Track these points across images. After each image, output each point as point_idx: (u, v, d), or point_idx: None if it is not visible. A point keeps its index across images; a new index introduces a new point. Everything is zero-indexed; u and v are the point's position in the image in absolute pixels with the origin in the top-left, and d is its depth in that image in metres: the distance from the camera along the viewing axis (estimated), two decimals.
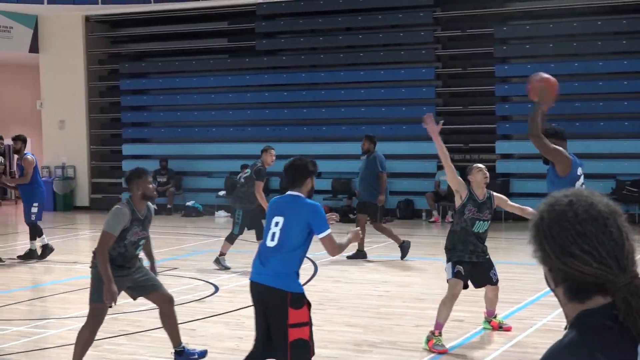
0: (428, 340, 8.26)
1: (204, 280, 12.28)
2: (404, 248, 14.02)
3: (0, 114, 28.25)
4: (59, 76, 24.52)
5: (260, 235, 12.73)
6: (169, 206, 22.06)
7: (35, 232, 14.70)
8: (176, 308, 10.36)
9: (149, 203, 7.71)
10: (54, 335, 9.28)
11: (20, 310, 10.74)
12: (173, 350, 7.92)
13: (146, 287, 7.65)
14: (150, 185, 7.57)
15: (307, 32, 22.48)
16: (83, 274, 13.33)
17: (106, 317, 9.72)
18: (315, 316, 9.88)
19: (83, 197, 24.24)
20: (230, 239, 13.21)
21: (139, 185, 7.48)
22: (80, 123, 24.37)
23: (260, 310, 6.11)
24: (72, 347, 8.74)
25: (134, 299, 7.91)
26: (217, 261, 13.23)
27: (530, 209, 8.35)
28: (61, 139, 24.49)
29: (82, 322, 9.77)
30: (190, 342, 8.79)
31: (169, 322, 7.85)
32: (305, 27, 22.45)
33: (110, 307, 7.51)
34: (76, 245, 17.31)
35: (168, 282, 12.13)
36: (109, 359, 8.26)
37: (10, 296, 11.75)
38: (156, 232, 18.46)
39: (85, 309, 10.74)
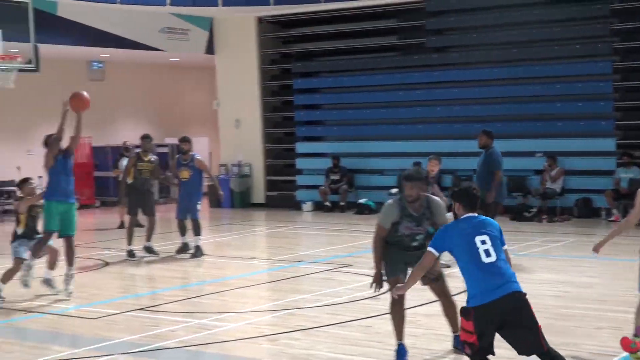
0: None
1: None
2: None
3: (180, 114, 29.25)
4: (234, 76, 25.14)
5: None
6: (342, 203, 22.24)
7: (199, 228, 15.10)
8: (351, 305, 10.48)
9: (432, 198, 8.02)
10: (233, 329, 9.50)
11: (201, 303, 11.08)
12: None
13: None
14: (410, 191, 7.92)
15: (478, 28, 22.16)
16: (260, 270, 13.66)
17: (283, 313, 9.91)
18: None
19: (259, 194, 24.77)
20: None
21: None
22: (255, 122, 24.91)
23: (500, 319, 6.45)
24: (251, 340, 8.96)
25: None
26: None
27: None
28: (237, 137, 25.11)
29: (260, 316, 10.01)
30: (365, 339, 8.84)
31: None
32: (476, 23, 22.14)
33: (377, 290, 8.07)
34: (253, 242, 17.70)
35: (343, 279, 12.29)
36: (286, 354, 8.38)
37: (191, 290, 12.14)
38: (330, 229, 18.70)
39: (262, 304, 11.00)
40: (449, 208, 7.89)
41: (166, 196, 27.10)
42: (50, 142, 11.68)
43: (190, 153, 15.14)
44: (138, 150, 15.73)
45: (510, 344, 6.52)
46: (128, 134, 26.65)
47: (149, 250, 15.11)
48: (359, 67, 23.71)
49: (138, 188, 14.99)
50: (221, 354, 8.57)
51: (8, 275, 11.50)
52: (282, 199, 24.27)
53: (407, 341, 8.30)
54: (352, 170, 22.93)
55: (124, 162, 19.19)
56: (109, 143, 26.09)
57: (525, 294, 6.50)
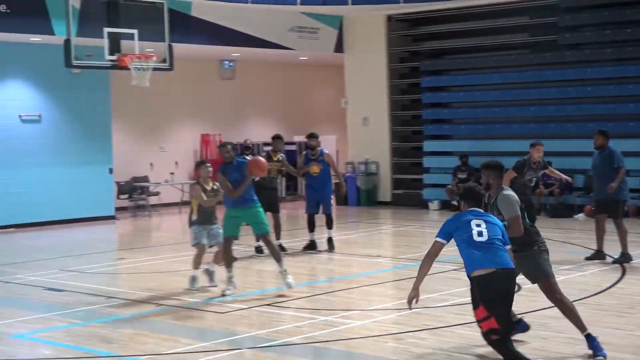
0: None
1: None
2: (625, 258, 13.20)
3: (308, 112, 29.52)
4: (362, 75, 25.21)
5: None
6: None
7: (332, 222, 15.45)
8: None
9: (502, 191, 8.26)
10: (359, 326, 9.53)
11: (327, 300, 11.15)
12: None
13: None
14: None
15: (613, 24, 21.55)
16: (386, 268, 13.66)
17: (408, 311, 9.88)
18: (626, 320, 9.48)
19: (385, 192, 24.77)
20: None
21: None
22: (383, 120, 24.91)
23: (503, 289, 7.44)
24: (377, 338, 8.98)
25: None
26: None
27: None
28: (365, 135, 25.17)
29: (386, 314, 10.01)
30: None
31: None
32: (611, 19, 21.54)
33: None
34: (379, 240, 17.71)
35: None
36: (411, 353, 8.35)
37: (317, 286, 12.24)
38: None
39: (388, 302, 10.99)
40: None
41: (293, 193, 27.42)
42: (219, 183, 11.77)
43: (319, 148, 15.44)
44: (268, 149, 15.96)
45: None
46: (257, 132, 27.07)
47: (281, 248, 15.27)
48: (489, 65, 23.42)
49: (266, 186, 15.25)
50: (346, 351, 8.62)
51: (197, 261, 11.89)
52: (408, 197, 24.21)
53: (536, 344, 8.17)
54: None
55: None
56: (239, 141, 26.54)
57: (514, 269, 7.51)
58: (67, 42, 13.81)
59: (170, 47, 14.98)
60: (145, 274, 13.52)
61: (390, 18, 24.68)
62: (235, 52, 24.89)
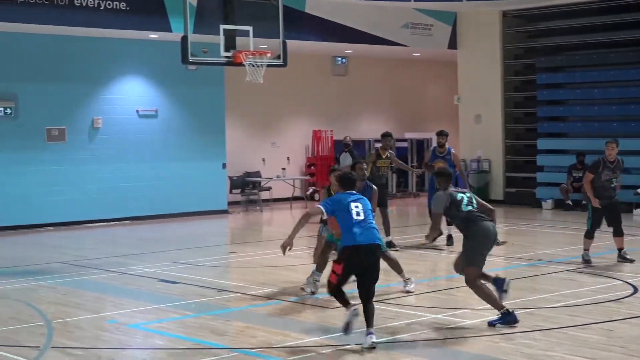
0: None
1: (621, 280, 11.83)
2: None
3: (420, 109, 29.37)
4: (476, 71, 24.94)
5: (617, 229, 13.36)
6: (584, 202, 21.45)
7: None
8: (592, 307, 10.14)
9: None
10: (469, 325, 9.44)
11: (437, 298, 11.08)
12: None
13: None
14: None
15: None
16: (497, 267, 13.45)
17: (520, 312, 9.72)
18: None
19: (497, 190, 24.45)
20: (588, 235, 13.41)
21: None
22: (496, 117, 24.59)
23: (364, 262, 8.88)
24: (488, 337, 8.88)
25: None
26: (582, 256, 13.40)
27: None
28: (477, 133, 24.90)
29: (495, 313, 9.87)
30: (605, 343, 8.53)
31: None
32: None
33: None
34: None
35: (584, 280, 11.95)
36: (523, 353, 8.22)
37: (427, 284, 12.16)
38: (571, 229, 18.15)
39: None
40: None
41: (404, 190, 27.33)
42: None
43: (447, 146, 15.99)
44: (378, 146, 16.05)
45: (358, 286, 8.94)
46: (368, 129, 27.09)
47: (389, 244, 15.31)
48: (607, 62, 22.86)
49: (376, 183, 15.27)
50: (456, 350, 8.54)
51: (316, 254, 11.87)
52: (521, 196, 23.84)
53: None
54: None
55: (346, 158, 19.52)
56: (350, 137, 26.61)
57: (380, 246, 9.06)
58: (184, 39, 14.06)
59: (284, 44, 15.08)
60: (256, 267, 13.69)
61: (505, 14, 24.34)
62: (348, 48, 24.95)
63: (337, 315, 10.08)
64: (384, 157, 15.63)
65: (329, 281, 9.08)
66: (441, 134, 16.15)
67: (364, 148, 26.09)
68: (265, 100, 25.12)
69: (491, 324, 9.27)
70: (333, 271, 8.97)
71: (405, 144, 27.34)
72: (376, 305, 10.45)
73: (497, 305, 9.34)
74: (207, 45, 14.68)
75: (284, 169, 25.39)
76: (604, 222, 13.43)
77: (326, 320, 9.91)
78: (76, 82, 20.49)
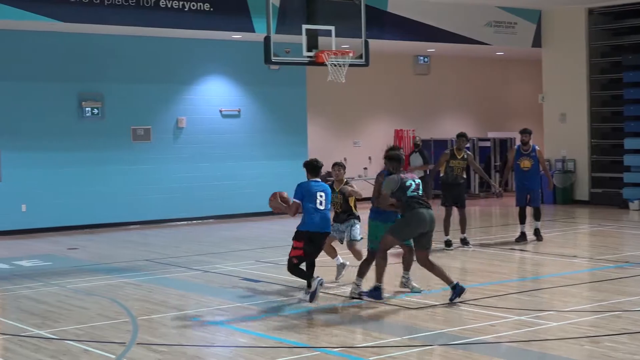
0: None
1: None
2: None
3: (503, 108, 29.05)
4: (561, 70, 24.55)
5: None
6: None
7: (540, 214, 16.26)
8: None
9: None
10: (554, 328, 9.28)
11: (520, 300, 10.93)
12: None
13: None
14: None
15: None
16: (582, 269, 13.24)
17: (607, 315, 9.53)
18: None
19: (583, 191, 24.03)
20: None
21: None
22: (581, 116, 24.16)
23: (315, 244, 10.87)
24: (573, 340, 8.72)
25: None
26: None
27: None
28: (561, 132, 24.50)
29: (582, 316, 9.71)
30: None
31: None
32: None
33: None
34: (575, 240, 17.19)
35: None
36: (609, 357, 8.05)
37: (511, 285, 12.01)
38: None
39: (585, 304, 10.64)
40: None
41: (487, 190, 27.03)
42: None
43: (531, 144, 16.14)
44: (452, 147, 16.01)
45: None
46: (450, 128, 26.89)
47: (464, 241, 15.64)
48: None
49: (451, 183, 15.60)
50: (541, 353, 8.40)
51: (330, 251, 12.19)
52: (607, 196, 23.39)
53: None
54: None
55: (416, 158, 19.38)
56: (433, 136, 26.44)
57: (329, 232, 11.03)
58: (267, 39, 14.12)
59: (366, 43, 15.04)
60: (334, 267, 13.68)
61: (591, 11, 23.90)
62: (430, 47, 24.81)
63: (419, 315, 10.04)
64: (459, 157, 15.54)
65: (290, 257, 10.80)
66: (525, 132, 16.20)
67: (446, 147, 25.85)
68: (347, 100, 25.14)
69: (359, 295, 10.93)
70: (294, 247, 10.78)
71: (488, 144, 27.06)
72: (458, 306, 10.43)
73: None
74: (290, 45, 14.73)
75: (365, 168, 25.37)
76: None
77: (408, 320, 9.85)
78: (161, 82, 20.81)
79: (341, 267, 12.26)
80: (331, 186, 12.06)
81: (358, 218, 12.33)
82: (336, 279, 12.21)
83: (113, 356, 8.42)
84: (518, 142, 16.55)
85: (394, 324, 9.72)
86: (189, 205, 21.04)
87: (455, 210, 15.73)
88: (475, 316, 9.90)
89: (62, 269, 14.21)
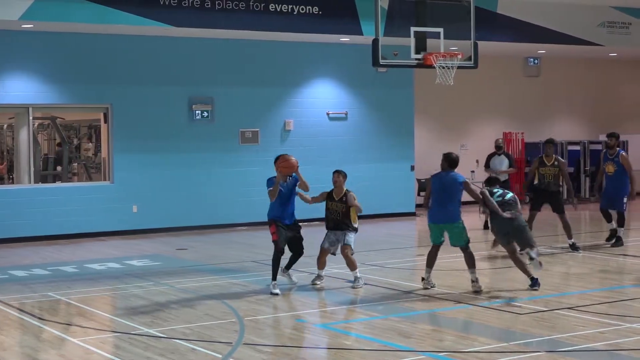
0: None
1: None
2: None
3: (617, 110, 28.32)
4: None
5: None
6: None
7: (624, 220, 16.08)
8: None
9: None
10: None
11: (633, 307, 10.64)
12: None
13: None
14: None
15: None
16: None
17: None
18: None
19: None
20: None
21: None
22: None
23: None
24: None
25: None
26: None
27: None
28: None
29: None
30: None
31: None
32: None
33: None
34: None
35: None
36: None
37: (622, 292, 11.70)
38: None
39: None
40: None
41: (577, 195, 26.32)
42: None
43: (617, 148, 16.03)
44: (541, 155, 15.88)
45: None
46: (561, 131, 26.40)
47: (573, 247, 15.50)
48: None
49: (545, 190, 15.61)
50: None
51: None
52: None
53: None
54: None
55: (496, 161, 19.00)
56: (542, 139, 25.96)
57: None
58: (375, 41, 14.14)
59: (475, 45, 14.91)
60: (443, 270, 13.57)
61: None
62: (540, 48, 24.40)
63: (527, 320, 9.88)
64: (548, 164, 15.50)
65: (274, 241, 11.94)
66: (611, 136, 16.19)
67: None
68: (455, 102, 24.94)
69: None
70: (271, 232, 12.00)
71: (599, 147, 26.42)
72: (566, 312, 10.23)
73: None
74: (398, 47, 14.71)
75: (472, 171, 25.10)
76: None
77: (515, 326, 9.71)
78: (269, 85, 21.02)
79: (318, 278, 12.46)
80: (330, 193, 12.33)
81: (355, 230, 12.38)
82: (312, 282, 12.45)
83: (220, 355, 8.53)
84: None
85: (501, 329, 9.57)
86: (297, 208, 21.13)
87: (554, 215, 15.76)
88: (584, 323, 9.68)
89: (171, 269, 14.49)
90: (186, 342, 9.13)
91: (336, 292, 12.12)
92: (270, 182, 12.22)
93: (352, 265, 12.27)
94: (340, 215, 12.29)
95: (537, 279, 11.64)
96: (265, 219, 12.45)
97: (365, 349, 8.87)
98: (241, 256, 15.78)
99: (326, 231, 12.52)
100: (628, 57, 26.69)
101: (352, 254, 12.19)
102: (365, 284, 12.44)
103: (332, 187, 12.54)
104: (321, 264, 12.53)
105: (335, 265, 14.30)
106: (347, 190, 12.43)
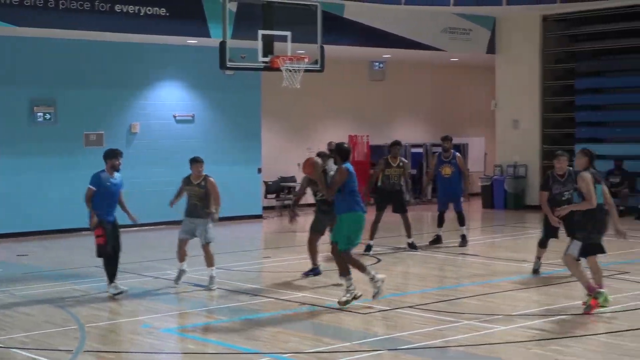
0: None
1: None
2: None
3: (457, 114, 29.21)
4: (514, 76, 24.78)
5: None
6: (621, 208, 21.31)
7: (463, 219, 16.63)
8: (626, 314, 10.03)
9: None
10: (502, 332, 9.37)
11: (470, 304, 11.01)
12: None
13: None
14: None
15: None
16: (531, 273, 13.34)
17: (554, 318, 9.64)
18: None
19: (534, 196, 24.16)
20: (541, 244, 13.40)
21: None
22: (534, 122, 24.41)
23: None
24: (521, 344, 8.81)
25: None
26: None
27: None
28: (514, 138, 24.72)
29: (530, 320, 9.79)
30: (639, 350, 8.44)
31: None
32: None
33: None
34: (525, 244, 17.33)
35: (618, 286, 11.81)
36: None
37: (460, 290, 12.10)
38: (607, 235, 17.92)
39: (533, 307, 10.73)
40: None
41: (418, 196, 27.09)
42: None
43: (451, 151, 16.62)
44: (386, 156, 16.24)
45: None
46: (405, 134, 27.01)
47: (411, 246, 15.94)
48: None
49: (389, 190, 15.98)
50: (489, 357, 8.47)
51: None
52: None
53: None
54: (635, 173, 21.91)
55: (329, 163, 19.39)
56: (387, 142, 26.49)
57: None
58: (223, 44, 14.12)
59: (322, 49, 15.09)
60: (289, 272, 13.69)
61: (545, 18, 24.17)
62: (385, 53, 24.90)
63: (370, 320, 10.08)
64: (394, 165, 15.90)
65: (99, 244, 11.79)
66: (446, 139, 16.70)
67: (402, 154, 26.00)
68: (302, 106, 25.16)
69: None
70: (97, 235, 11.82)
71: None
72: (408, 311, 10.49)
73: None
74: (245, 50, 14.74)
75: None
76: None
77: (359, 325, 9.89)
78: (115, 87, 20.66)
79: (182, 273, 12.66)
80: (188, 178, 12.91)
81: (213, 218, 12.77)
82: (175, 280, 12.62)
83: None
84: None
85: (345, 329, 9.73)
86: (142, 211, 20.69)
87: (397, 217, 16.12)
88: (424, 321, 9.96)
89: (11, 275, 14.04)
90: (24, 351, 8.88)
91: (183, 295, 12.04)
92: (96, 177, 12.22)
93: (210, 261, 12.35)
94: (198, 200, 12.57)
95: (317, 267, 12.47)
96: None
97: (211, 352, 8.86)
98: (84, 261, 15.42)
99: (184, 219, 12.66)
100: (469, 62, 27.56)
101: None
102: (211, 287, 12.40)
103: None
104: (182, 255, 12.59)
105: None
106: (206, 175, 12.71)
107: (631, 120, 23.06)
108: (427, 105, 28.56)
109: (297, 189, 13.10)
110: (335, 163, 11.27)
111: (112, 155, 12.31)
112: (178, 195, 12.99)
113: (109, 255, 11.90)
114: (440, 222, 16.63)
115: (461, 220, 16.56)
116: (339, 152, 11.14)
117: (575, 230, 10.42)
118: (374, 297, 10.77)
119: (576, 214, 10.48)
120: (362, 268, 10.78)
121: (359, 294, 10.79)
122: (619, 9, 22.56)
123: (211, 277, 12.36)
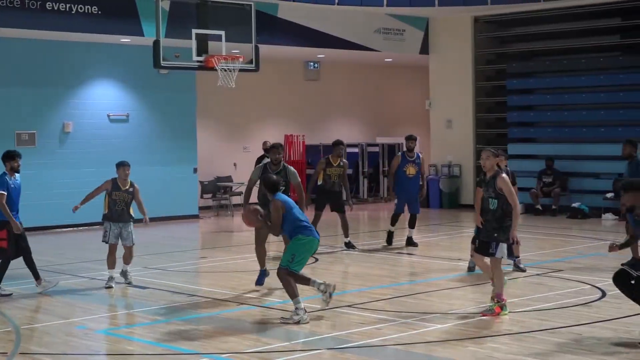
0: None
1: (590, 285, 11.91)
2: None
3: (391, 113, 29.44)
4: (447, 76, 25.04)
5: None
6: (553, 207, 21.70)
7: (415, 222, 16.33)
8: (560, 311, 10.21)
9: None
10: (439, 330, 9.46)
11: (407, 302, 11.09)
12: None
13: None
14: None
15: None
16: (467, 271, 13.50)
17: (491, 317, 9.77)
18: None
19: (468, 195, 24.51)
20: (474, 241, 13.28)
21: None
22: (467, 122, 24.70)
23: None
24: (457, 342, 8.91)
25: None
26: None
27: None
28: (447, 138, 25.00)
29: (466, 318, 9.92)
30: (574, 347, 8.58)
31: None
32: None
33: None
34: (460, 243, 17.53)
35: (553, 284, 12.01)
36: (492, 358, 8.26)
37: (398, 289, 12.19)
38: (540, 233, 18.24)
39: (469, 306, 10.87)
40: None
41: (375, 195, 27.34)
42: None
43: (415, 151, 16.22)
44: (328, 156, 16.21)
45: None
46: (341, 133, 27.09)
47: (348, 245, 15.97)
48: (578, 68, 23.03)
49: (328, 190, 15.93)
50: (426, 354, 8.55)
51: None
52: None
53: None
54: (566, 173, 22.31)
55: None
56: (322, 142, 26.62)
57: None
58: (156, 43, 14.03)
59: (256, 48, 15.08)
60: (226, 272, 13.67)
61: (477, 19, 24.46)
62: (320, 53, 24.97)
63: (311, 320, 10.08)
64: (335, 165, 15.84)
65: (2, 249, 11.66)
66: (410, 138, 16.25)
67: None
68: (237, 105, 25.10)
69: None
70: (2, 238, 11.63)
71: (376, 149, 27.39)
72: (347, 310, 10.53)
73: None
74: (179, 49, 14.66)
75: None
76: None
77: (297, 325, 9.88)
78: (47, 86, 20.37)
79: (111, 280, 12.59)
80: (115, 182, 12.87)
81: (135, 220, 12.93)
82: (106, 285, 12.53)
83: None
84: (404, 148, 16.63)
85: (284, 329, 9.71)
86: (77, 211, 20.58)
87: (335, 216, 16.15)
88: (363, 320, 10.01)
89: None
90: None
91: (119, 297, 11.93)
92: (4, 181, 12.04)
93: (129, 260, 12.65)
94: (125, 205, 12.65)
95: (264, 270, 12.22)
96: (37, 224, 12.23)
97: (148, 353, 8.79)
98: (17, 263, 15.13)
99: (110, 224, 12.64)
100: (402, 62, 27.77)
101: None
102: (148, 287, 12.32)
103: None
104: (112, 262, 12.55)
105: (117, 269, 14.08)
106: (131, 181, 12.84)
107: (562, 120, 23.47)
108: (362, 105, 28.71)
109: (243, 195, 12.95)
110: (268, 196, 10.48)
111: (10, 158, 12.22)
112: (91, 196, 12.77)
113: (9, 258, 11.99)
114: (395, 222, 16.30)
115: (413, 223, 16.21)
116: (265, 185, 10.41)
117: (498, 231, 10.24)
118: (327, 303, 10.37)
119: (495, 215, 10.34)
120: (305, 281, 10.31)
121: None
122: (549, 10, 22.94)
123: (126, 272, 12.61)
